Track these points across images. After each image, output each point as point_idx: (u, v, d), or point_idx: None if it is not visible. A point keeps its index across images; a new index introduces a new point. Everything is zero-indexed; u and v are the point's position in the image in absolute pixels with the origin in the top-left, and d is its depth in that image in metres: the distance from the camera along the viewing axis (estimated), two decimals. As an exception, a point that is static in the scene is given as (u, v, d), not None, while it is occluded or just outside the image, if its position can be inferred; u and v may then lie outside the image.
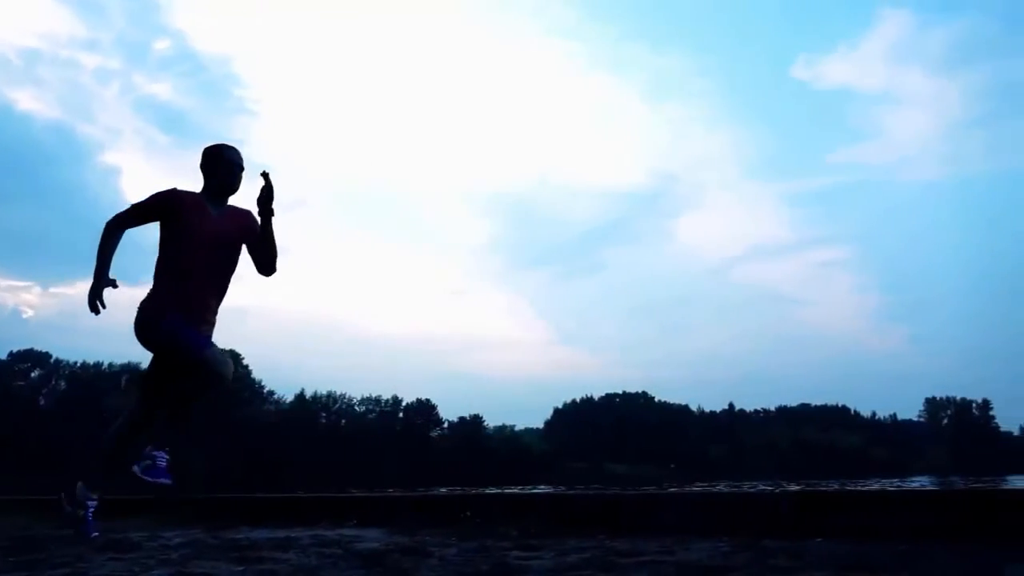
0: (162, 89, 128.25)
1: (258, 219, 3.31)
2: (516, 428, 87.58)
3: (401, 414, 77.31)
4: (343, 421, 73.50)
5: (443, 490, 7.14)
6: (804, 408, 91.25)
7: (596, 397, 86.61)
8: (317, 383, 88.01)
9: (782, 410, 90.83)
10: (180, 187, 3.27)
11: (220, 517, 4.00)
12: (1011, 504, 2.19)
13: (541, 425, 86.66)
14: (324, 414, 73.42)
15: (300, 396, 70.85)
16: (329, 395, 75.80)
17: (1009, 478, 42.72)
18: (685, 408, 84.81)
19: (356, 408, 76.76)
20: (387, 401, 77.84)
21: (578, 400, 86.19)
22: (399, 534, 3.09)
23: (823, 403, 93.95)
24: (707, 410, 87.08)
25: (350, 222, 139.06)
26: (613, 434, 74.31)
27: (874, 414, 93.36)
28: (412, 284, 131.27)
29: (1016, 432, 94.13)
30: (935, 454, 79.57)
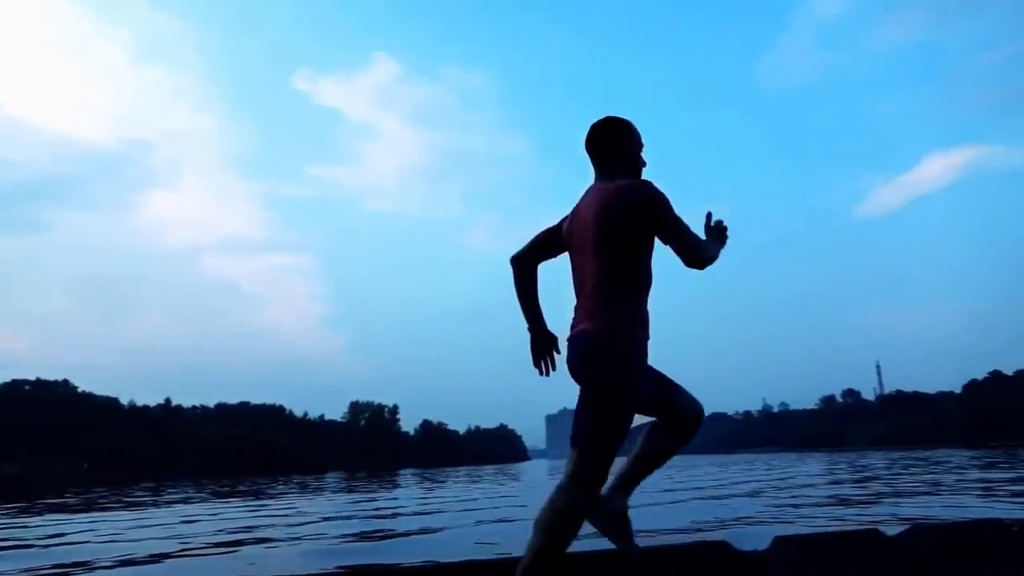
0: None
1: None
2: None
3: None
4: None
5: None
6: (243, 406, 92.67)
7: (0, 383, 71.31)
8: None
9: (221, 407, 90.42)
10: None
11: None
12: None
13: (-95, 414, 66.60)
14: None
15: None
16: None
17: (401, 471, 51.35)
18: (114, 401, 76.78)
19: None
20: None
21: (-29, 386, 69.41)
22: None
23: (262, 402, 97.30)
24: (140, 404, 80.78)
25: None
26: (14, 428, 62.18)
27: (306, 414, 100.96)
28: None
29: (412, 432, 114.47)
30: (349, 452, 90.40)
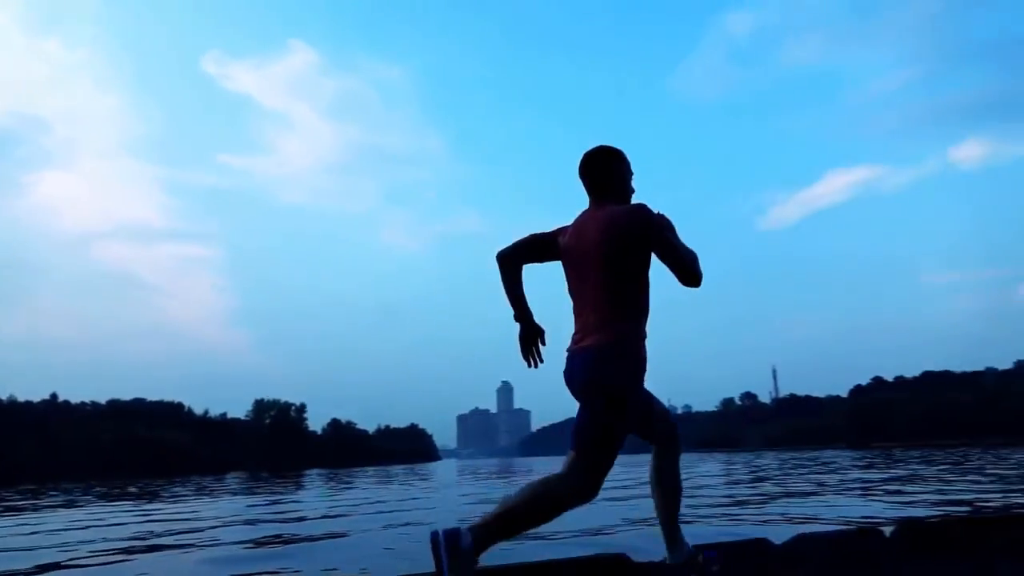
0: None
1: None
2: None
3: None
4: None
5: None
6: (138, 403, 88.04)
7: None
8: None
9: (113, 404, 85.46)
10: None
11: None
12: None
13: None
14: None
15: None
16: None
17: (307, 472, 50.02)
18: (-9, 396, 71.26)
19: None
20: None
21: None
22: None
23: (158, 399, 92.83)
24: (21, 399, 75.36)
25: None
26: None
27: (206, 412, 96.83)
28: None
29: (320, 431, 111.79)
30: (252, 452, 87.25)
